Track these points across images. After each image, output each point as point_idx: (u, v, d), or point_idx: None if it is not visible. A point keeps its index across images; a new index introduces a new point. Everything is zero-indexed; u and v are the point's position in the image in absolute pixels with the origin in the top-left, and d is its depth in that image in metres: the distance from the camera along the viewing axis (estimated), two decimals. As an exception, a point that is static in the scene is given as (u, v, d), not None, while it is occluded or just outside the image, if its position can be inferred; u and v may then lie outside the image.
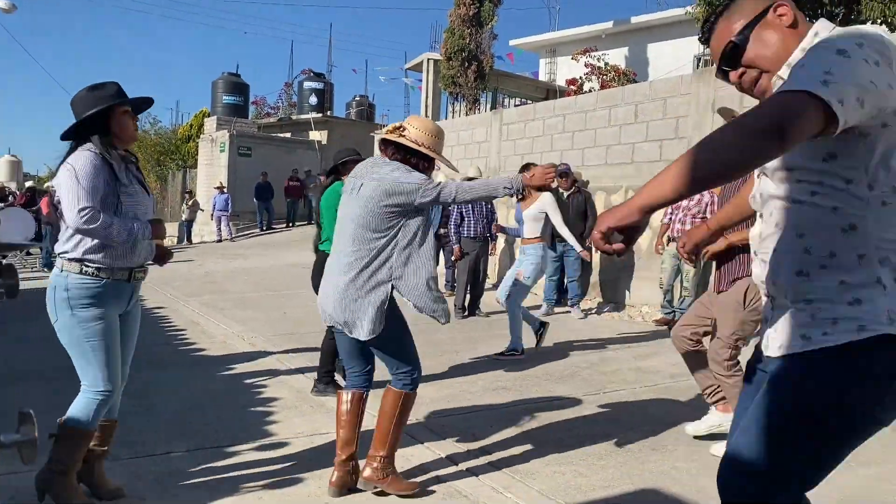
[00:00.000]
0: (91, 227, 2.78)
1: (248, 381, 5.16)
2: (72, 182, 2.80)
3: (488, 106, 18.27)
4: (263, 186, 19.61)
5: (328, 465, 3.55)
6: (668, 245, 7.41)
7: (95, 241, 2.86)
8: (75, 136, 2.97)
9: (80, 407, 2.90)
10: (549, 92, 18.64)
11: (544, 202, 6.20)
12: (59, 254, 2.91)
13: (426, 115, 19.46)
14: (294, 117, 26.10)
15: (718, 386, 3.89)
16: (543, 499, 3.19)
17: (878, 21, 9.74)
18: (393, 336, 3.16)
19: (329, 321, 3.19)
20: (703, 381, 3.98)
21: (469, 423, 4.26)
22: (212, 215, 19.20)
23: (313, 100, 26.23)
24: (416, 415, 4.41)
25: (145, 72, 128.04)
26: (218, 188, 19.05)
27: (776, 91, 1.38)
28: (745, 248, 3.59)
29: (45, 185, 21.13)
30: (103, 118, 2.94)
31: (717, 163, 1.37)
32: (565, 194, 8.27)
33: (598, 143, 9.24)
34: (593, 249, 9.01)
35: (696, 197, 7.30)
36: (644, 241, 8.49)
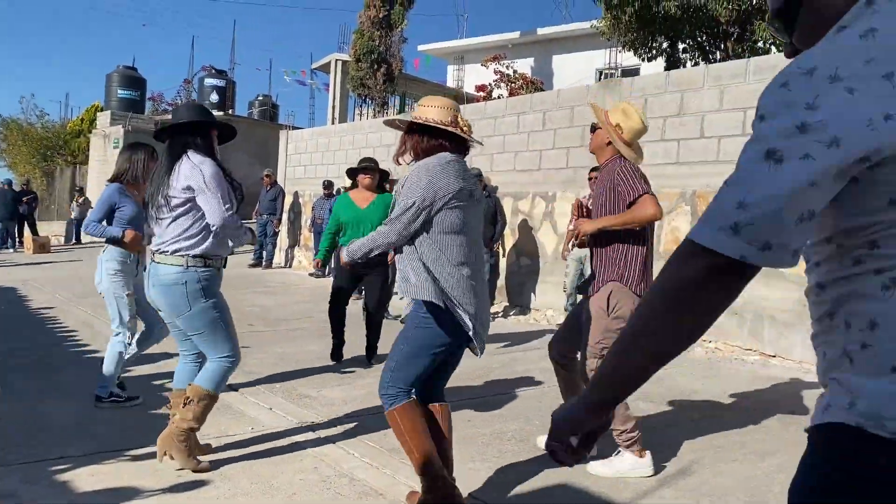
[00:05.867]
0: (233, 223, 3.32)
1: (150, 383, 4.92)
2: (214, 184, 3.27)
3: (396, 109, 18.25)
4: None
5: (236, 468, 3.44)
6: (573, 250, 7.59)
7: (212, 237, 3.33)
8: (170, 135, 3.44)
9: (215, 374, 3.40)
10: (458, 98, 18.81)
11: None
12: (181, 252, 3.29)
13: (333, 117, 19.25)
14: (194, 115, 25.18)
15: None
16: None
17: (770, 43, 10.39)
18: None
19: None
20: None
21: (383, 422, 4.21)
22: (104, 214, 18.33)
23: (214, 97, 25.49)
24: (329, 416, 4.33)
25: (31, 60, 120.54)
26: (111, 185, 18.17)
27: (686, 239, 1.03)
28: (619, 242, 3.45)
29: None
30: (207, 133, 3.45)
31: (660, 338, 1.07)
32: (475, 198, 8.33)
33: (507, 149, 9.38)
34: (500, 254, 9.14)
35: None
36: (549, 247, 8.68)
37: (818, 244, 1.11)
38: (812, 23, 1.14)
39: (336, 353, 5.87)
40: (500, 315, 8.66)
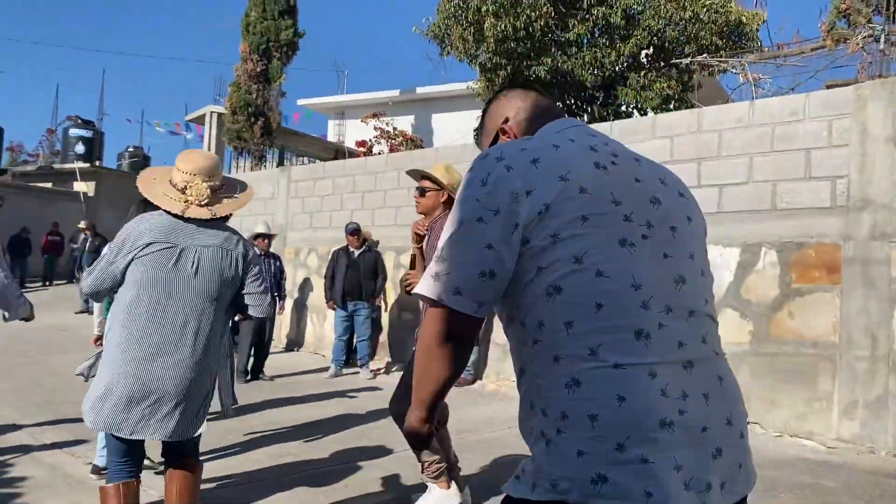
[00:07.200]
0: (9, 290, 3.06)
1: (-10, 460, 4.44)
2: None
3: (275, 162, 18.00)
4: (21, 241, 17.51)
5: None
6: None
7: None
8: None
9: None
10: (338, 152, 18.80)
11: None
12: None
13: (209, 170, 18.68)
14: (57, 166, 23.83)
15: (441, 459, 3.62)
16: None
17: (632, 107, 11.07)
18: None
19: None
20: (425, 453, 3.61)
21: (251, 493, 3.99)
22: (-51, 271, 16.81)
23: (80, 148, 24.25)
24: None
25: None
26: (-42, 240, 16.73)
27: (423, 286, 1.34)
28: None
29: None
30: None
31: (433, 377, 1.40)
32: (356, 253, 8.27)
33: (388, 204, 9.41)
34: (383, 308, 9.07)
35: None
36: (431, 301, 8.68)
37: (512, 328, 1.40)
38: None
39: None
40: (382, 371, 8.53)
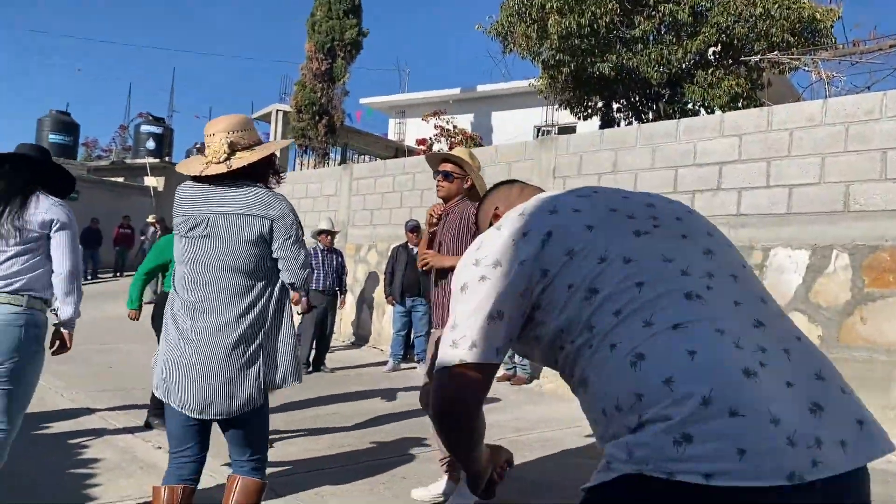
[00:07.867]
0: (80, 274, 3.13)
1: (67, 441, 4.65)
2: (72, 226, 3.11)
3: (338, 160, 18.28)
4: (92, 232, 18.26)
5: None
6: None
7: (47, 281, 3.04)
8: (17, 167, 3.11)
9: None
10: (398, 151, 18.99)
11: None
12: (23, 291, 2.95)
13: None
14: (129, 161, 24.75)
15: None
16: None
17: (699, 105, 10.84)
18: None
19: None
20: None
21: (314, 481, 4.07)
22: (28, 261, 17.62)
23: (150, 144, 25.10)
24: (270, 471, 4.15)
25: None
26: (38, 232, 17.48)
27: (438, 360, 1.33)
28: None
29: None
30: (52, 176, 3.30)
31: (453, 438, 1.41)
32: (414, 250, 8.34)
33: (447, 202, 9.46)
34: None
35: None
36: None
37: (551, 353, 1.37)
38: None
39: None
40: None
